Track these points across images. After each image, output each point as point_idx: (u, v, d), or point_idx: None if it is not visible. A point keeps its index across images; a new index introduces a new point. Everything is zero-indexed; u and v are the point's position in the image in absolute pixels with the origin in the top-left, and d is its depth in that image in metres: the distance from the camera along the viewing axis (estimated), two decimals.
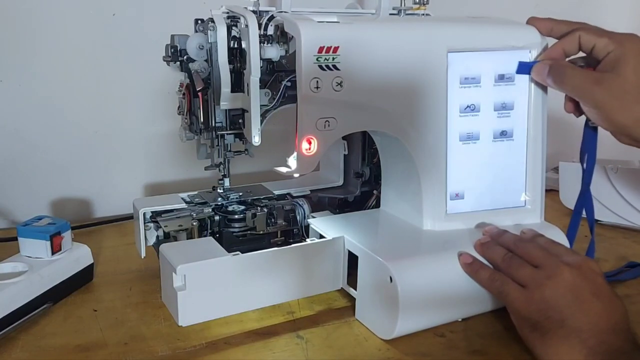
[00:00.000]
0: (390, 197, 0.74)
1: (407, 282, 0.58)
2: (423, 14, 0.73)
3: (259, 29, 0.61)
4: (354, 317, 0.64)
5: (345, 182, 0.83)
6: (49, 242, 0.65)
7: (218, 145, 0.69)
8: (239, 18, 0.64)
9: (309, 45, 0.58)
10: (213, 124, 0.67)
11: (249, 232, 0.70)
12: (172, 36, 0.67)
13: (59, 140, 0.91)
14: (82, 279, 0.69)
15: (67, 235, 0.68)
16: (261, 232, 0.70)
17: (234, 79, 0.65)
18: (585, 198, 0.70)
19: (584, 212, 0.71)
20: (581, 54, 0.65)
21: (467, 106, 0.67)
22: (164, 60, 0.68)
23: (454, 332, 0.61)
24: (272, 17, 0.62)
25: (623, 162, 0.93)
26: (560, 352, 0.52)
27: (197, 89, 0.65)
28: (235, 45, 0.64)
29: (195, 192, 0.76)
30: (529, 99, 0.68)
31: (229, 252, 0.61)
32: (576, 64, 0.65)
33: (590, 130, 0.67)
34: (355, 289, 0.64)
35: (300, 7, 0.66)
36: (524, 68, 0.66)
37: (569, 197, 0.97)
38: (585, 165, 0.69)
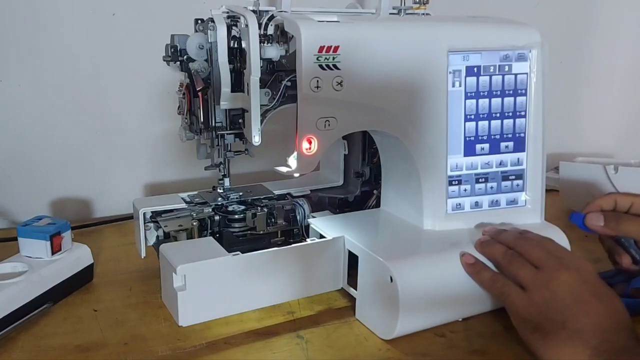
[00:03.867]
0: (390, 196, 0.74)
1: (407, 282, 0.58)
2: (423, 14, 0.74)
3: (259, 28, 0.61)
4: (354, 317, 0.64)
5: (346, 182, 0.83)
6: (49, 242, 0.65)
7: (218, 145, 0.69)
8: (239, 18, 0.64)
9: (309, 44, 0.58)
10: (213, 124, 0.67)
11: (249, 232, 0.70)
12: (172, 36, 0.67)
13: (59, 140, 0.91)
14: (82, 279, 0.69)
15: (67, 235, 0.68)
16: (261, 232, 0.70)
17: (234, 78, 0.64)
18: None
19: None
20: None
21: (467, 106, 0.67)
22: (164, 60, 0.68)
23: (454, 332, 0.61)
24: (272, 17, 0.62)
25: (623, 162, 0.93)
26: (563, 354, 0.52)
27: (197, 89, 0.65)
28: (235, 45, 0.64)
29: (195, 192, 0.76)
30: (529, 99, 0.69)
31: (229, 252, 0.61)
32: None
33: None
34: (356, 289, 0.64)
35: (300, 6, 0.66)
36: (577, 219, 0.67)
37: (569, 197, 0.97)
38: None
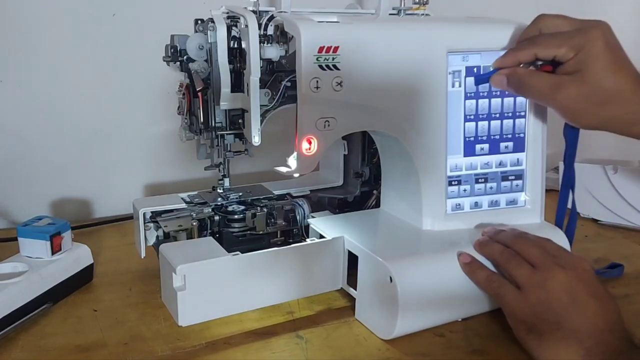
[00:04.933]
0: (390, 197, 0.74)
1: (407, 282, 0.58)
2: (423, 14, 0.74)
3: (259, 29, 0.61)
4: (353, 317, 0.64)
5: (345, 182, 0.83)
6: (49, 242, 0.65)
7: (218, 145, 0.69)
8: (239, 18, 0.64)
9: (309, 45, 0.58)
10: (213, 124, 0.67)
11: (248, 232, 0.70)
12: (172, 36, 0.67)
13: (59, 141, 0.91)
14: (82, 279, 0.69)
15: (67, 236, 0.68)
16: (261, 232, 0.70)
17: (234, 79, 0.65)
18: (567, 175, 0.70)
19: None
20: None
21: (467, 106, 0.67)
22: (164, 60, 0.68)
23: (454, 332, 0.61)
24: (272, 17, 0.62)
25: (622, 162, 0.93)
26: (557, 354, 0.52)
27: (197, 89, 0.65)
28: (235, 45, 0.64)
29: (195, 192, 0.76)
30: (529, 99, 0.68)
31: (229, 252, 0.61)
32: (534, 64, 0.63)
33: (569, 126, 0.66)
34: (355, 289, 0.64)
35: (300, 7, 0.66)
36: (481, 79, 0.65)
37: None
38: (566, 145, 0.68)
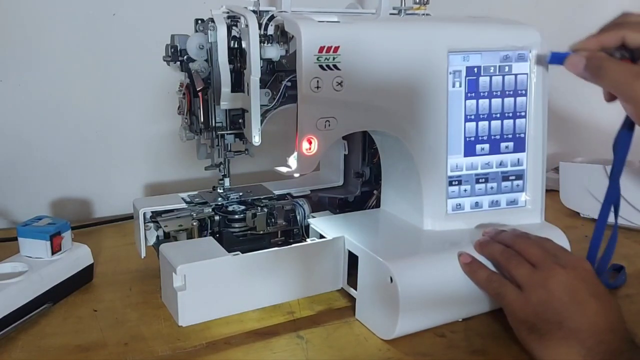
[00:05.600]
0: (390, 197, 0.74)
1: (408, 282, 0.58)
2: (423, 14, 0.74)
3: (259, 28, 0.61)
4: (354, 317, 0.64)
5: (346, 182, 0.83)
6: (49, 242, 0.65)
7: (218, 145, 0.69)
8: (239, 18, 0.64)
9: (310, 45, 0.58)
10: (213, 124, 0.67)
11: (249, 232, 0.70)
12: (172, 36, 0.67)
13: (59, 140, 0.91)
14: (82, 279, 0.69)
15: (67, 235, 0.68)
16: (261, 232, 0.70)
17: (234, 78, 0.64)
18: (612, 191, 0.65)
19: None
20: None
21: (468, 106, 0.67)
22: (164, 60, 0.68)
23: (455, 332, 0.61)
24: (272, 17, 0.62)
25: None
26: (559, 354, 0.52)
27: (197, 89, 0.65)
28: (235, 45, 0.64)
29: (195, 192, 0.75)
30: (529, 99, 0.69)
31: (229, 252, 0.61)
32: (613, 55, 0.59)
33: (628, 125, 0.62)
34: (356, 289, 0.64)
35: (301, 7, 0.66)
36: (557, 58, 0.61)
37: (569, 197, 0.97)
38: (615, 159, 0.64)
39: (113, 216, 0.92)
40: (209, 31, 0.64)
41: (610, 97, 0.61)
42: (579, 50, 0.60)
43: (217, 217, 0.70)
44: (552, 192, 0.97)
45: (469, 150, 0.68)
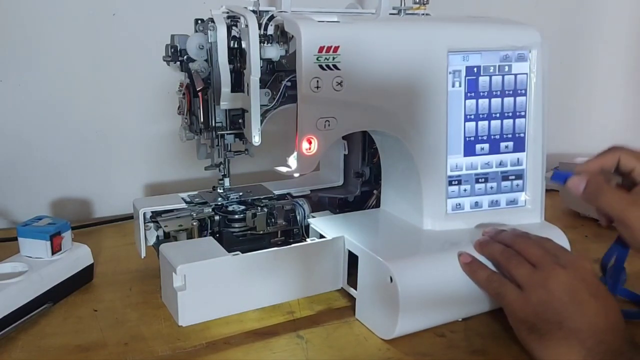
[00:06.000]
0: (390, 196, 0.74)
1: (407, 282, 0.58)
2: (423, 14, 0.74)
3: (259, 28, 0.61)
4: (354, 317, 0.64)
5: (346, 182, 0.83)
6: (49, 242, 0.65)
7: (218, 145, 0.69)
8: (239, 18, 0.64)
9: (309, 44, 0.58)
10: (213, 124, 0.67)
11: (249, 232, 0.70)
12: (172, 36, 0.67)
13: (59, 140, 0.91)
14: (82, 279, 0.69)
15: (67, 235, 0.68)
16: (261, 232, 0.70)
17: (234, 78, 0.65)
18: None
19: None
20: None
21: (467, 106, 0.67)
22: (164, 60, 0.68)
23: (455, 332, 0.61)
24: (272, 17, 0.62)
25: None
26: (559, 354, 0.52)
27: (197, 89, 0.65)
28: (235, 45, 0.64)
29: (195, 192, 0.75)
30: (529, 99, 0.69)
31: (229, 252, 0.61)
32: (611, 180, 0.63)
33: (621, 245, 0.65)
34: (356, 289, 0.64)
35: (300, 7, 0.66)
36: (559, 177, 0.64)
37: (569, 197, 0.97)
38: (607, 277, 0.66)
39: (113, 216, 0.92)
40: (208, 31, 0.64)
41: (607, 222, 0.64)
42: (580, 173, 0.63)
43: (217, 217, 0.70)
44: (552, 192, 0.97)
45: (469, 150, 0.68)
